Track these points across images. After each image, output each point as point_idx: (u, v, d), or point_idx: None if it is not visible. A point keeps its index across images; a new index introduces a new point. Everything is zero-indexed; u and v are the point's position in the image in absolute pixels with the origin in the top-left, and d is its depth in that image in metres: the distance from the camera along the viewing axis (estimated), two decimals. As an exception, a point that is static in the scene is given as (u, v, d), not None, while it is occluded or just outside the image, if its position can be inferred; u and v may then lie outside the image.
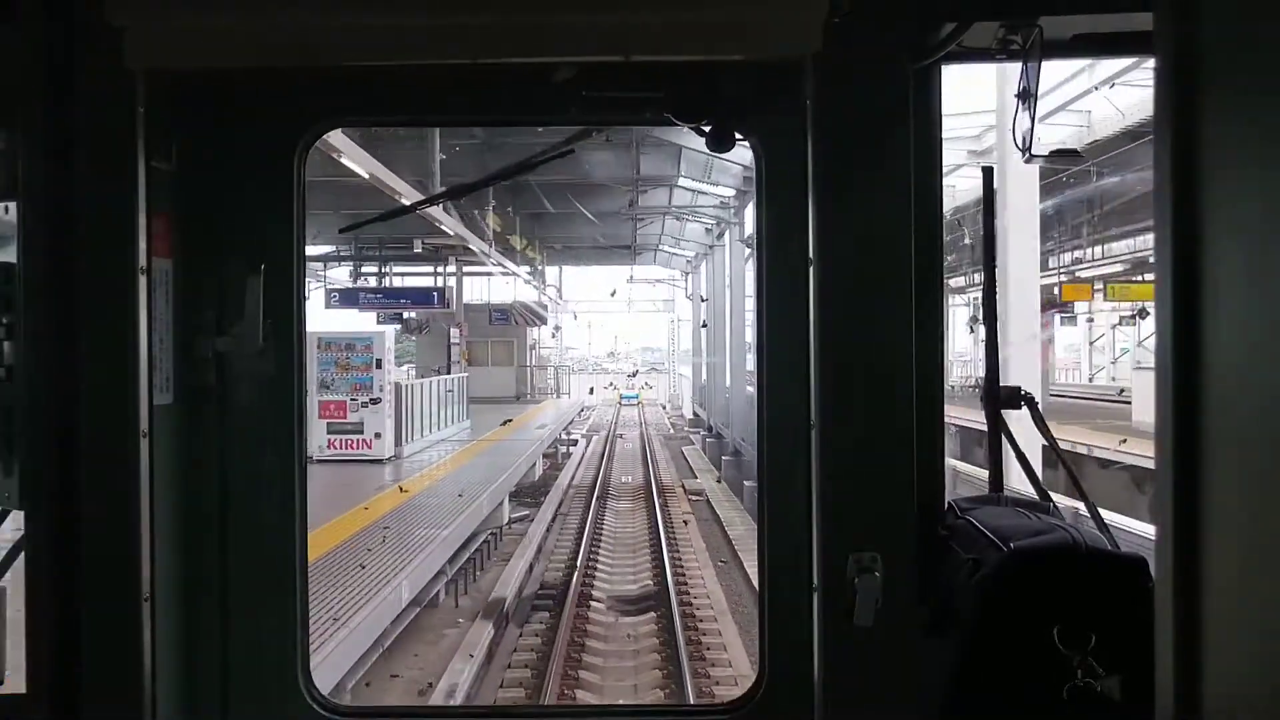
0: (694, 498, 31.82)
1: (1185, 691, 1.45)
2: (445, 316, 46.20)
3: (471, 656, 15.19)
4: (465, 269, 47.56)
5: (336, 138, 15.93)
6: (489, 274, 49.77)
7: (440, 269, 47.23)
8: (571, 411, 54.81)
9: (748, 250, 35.93)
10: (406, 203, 21.85)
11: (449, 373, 40.72)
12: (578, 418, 60.02)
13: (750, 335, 29.14)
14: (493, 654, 16.10)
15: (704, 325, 61.88)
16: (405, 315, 44.91)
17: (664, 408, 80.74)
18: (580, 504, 30.68)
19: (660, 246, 51.96)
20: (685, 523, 27.29)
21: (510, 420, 41.08)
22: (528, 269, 47.10)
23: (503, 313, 54.46)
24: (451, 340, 48.10)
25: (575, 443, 47.47)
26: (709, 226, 43.21)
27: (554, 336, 71.44)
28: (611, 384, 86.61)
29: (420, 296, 43.31)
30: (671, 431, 59.35)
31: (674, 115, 3.11)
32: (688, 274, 59.45)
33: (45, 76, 2.73)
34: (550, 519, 27.79)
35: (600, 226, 40.93)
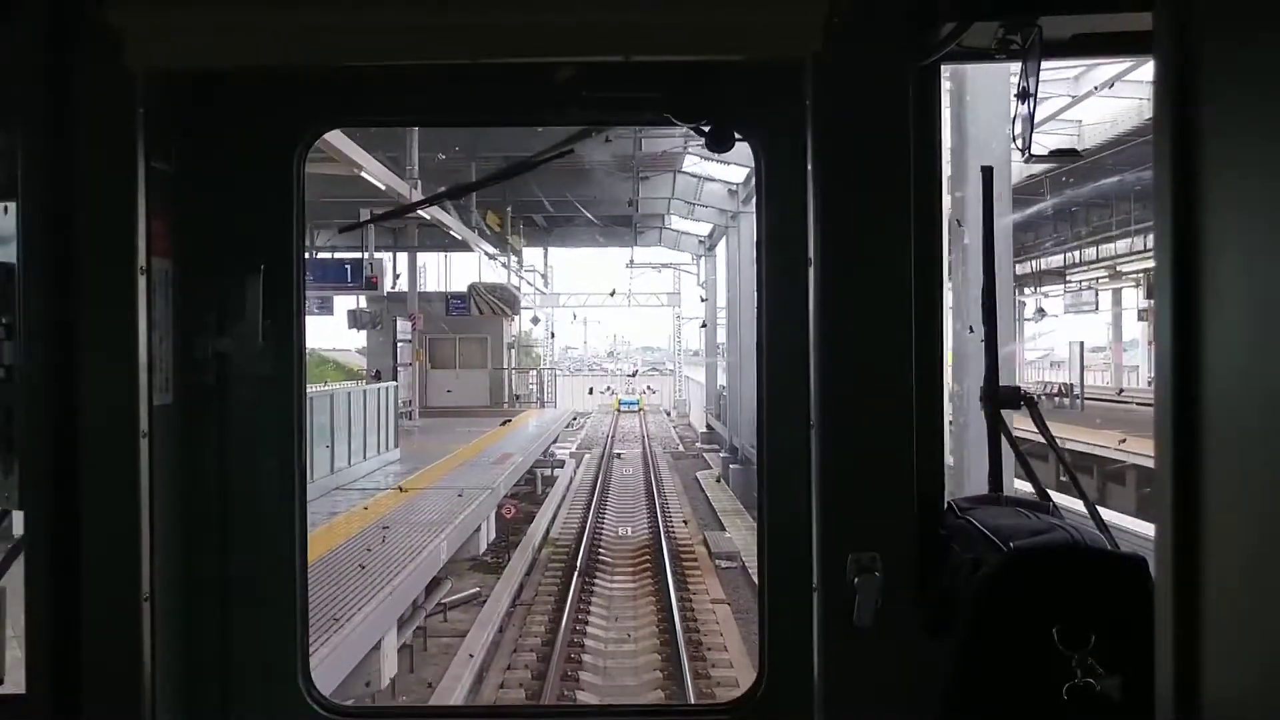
0: (725, 565, 22.08)
1: (1185, 691, 1.45)
2: (396, 306, 38.19)
3: None
4: (423, 245, 38.34)
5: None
6: (446, 249, 40.34)
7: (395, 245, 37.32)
8: (556, 426, 41.39)
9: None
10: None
11: (394, 377, 33.48)
12: (570, 427, 49.59)
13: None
14: None
15: (703, 326, 57.78)
16: (355, 305, 36.91)
17: (669, 415, 70.57)
18: (554, 584, 20.52)
19: (667, 224, 42.87)
20: (718, 620, 17.52)
21: (506, 425, 34.01)
22: (493, 245, 37.57)
23: (461, 299, 42.98)
24: (399, 336, 38.95)
25: (561, 464, 37.03)
26: (734, 187, 34.14)
27: (551, 336, 65.06)
28: (609, 388, 74.83)
29: (331, 273, 33.47)
30: (680, 448, 48.90)
31: (674, 115, 3.12)
32: (700, 258, 49.24)
33: (45, 76, 2.73)
34: (504, 612, 18.02)
35: (591, 185, 32.26)
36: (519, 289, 45.62)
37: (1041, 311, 41.64)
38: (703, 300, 49.76)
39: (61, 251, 2.75)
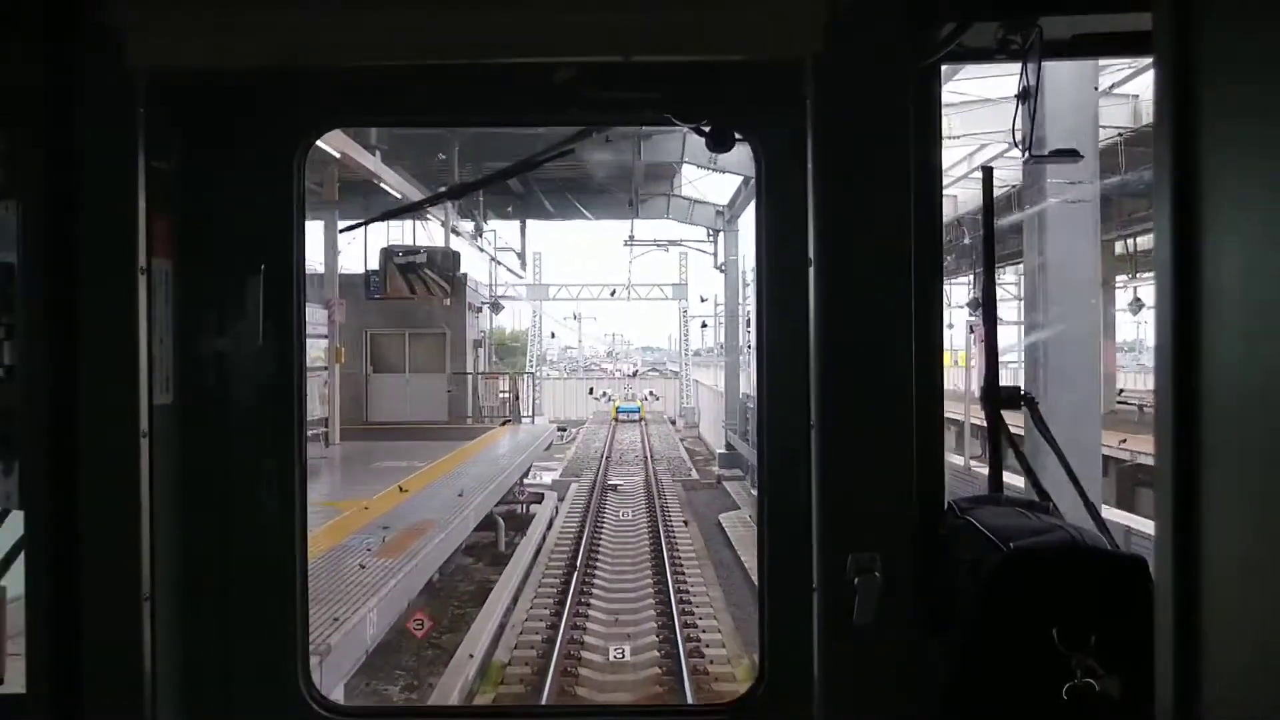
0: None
1: (1185, 691, 1.45)
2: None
3: None
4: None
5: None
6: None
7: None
8: (529, 454, 28.19)
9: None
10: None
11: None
12: (550, 448, 37.29)
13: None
14: None
15: (704, 326, 51.93)
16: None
17: (674, 424, 60.84)
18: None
19: (676, 187, 34.57)
20: None
21: (457, 453, 24.12)
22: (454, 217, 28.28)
23: (379, 275, 27.15)
24: (309, 330, 23.25)
25: (540, 499, 27.94)
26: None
27: (552, 336, 58.57)
28: (605, 394, 65.56)
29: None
30: (694, 474, 37.34)
31: (674, 115, 3.12)
32: (719, 233, 39.27)
33: (45, 76, 2.73)
34: None
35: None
36: (456, 256, 28.57)
37: (1139, 302, 35.28)
38: (702, 301, 46.59)
39: (61, 251, 2.75)
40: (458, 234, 29.57)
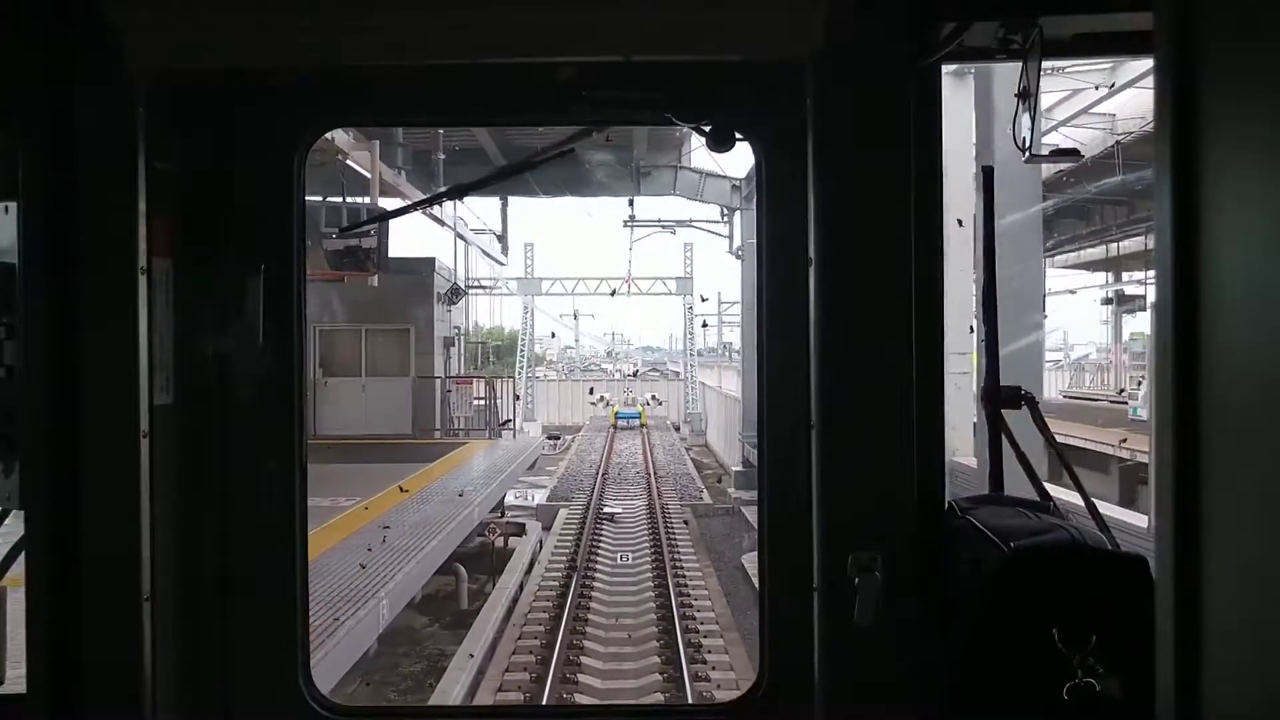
0: None
1: (1185, 690, 1.45)
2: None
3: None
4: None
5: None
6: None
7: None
8: (505, 478, 23.10)
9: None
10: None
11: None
12: (549, 453, 34.82)
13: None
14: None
15: (705, 325, 51.35)
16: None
17: (678, 431, 55.11)
18: None
19: (684, 156, 30.40)
20: None
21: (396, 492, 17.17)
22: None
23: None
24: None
25: (521, 530, 22.92)
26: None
27: (552, 336, 55.12)
28: (603, 398, 59.41)
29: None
30: (704, 495, 32.21)
31: (674, 115, 3.13)
32: (735, 211, 33.30)
33: (45, 76, 2.73)
34: None
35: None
36: (383, 219, 22.67)
37: None
38: (704, 300, 45.73)
39: (61, 251, 2.75)
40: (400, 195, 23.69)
